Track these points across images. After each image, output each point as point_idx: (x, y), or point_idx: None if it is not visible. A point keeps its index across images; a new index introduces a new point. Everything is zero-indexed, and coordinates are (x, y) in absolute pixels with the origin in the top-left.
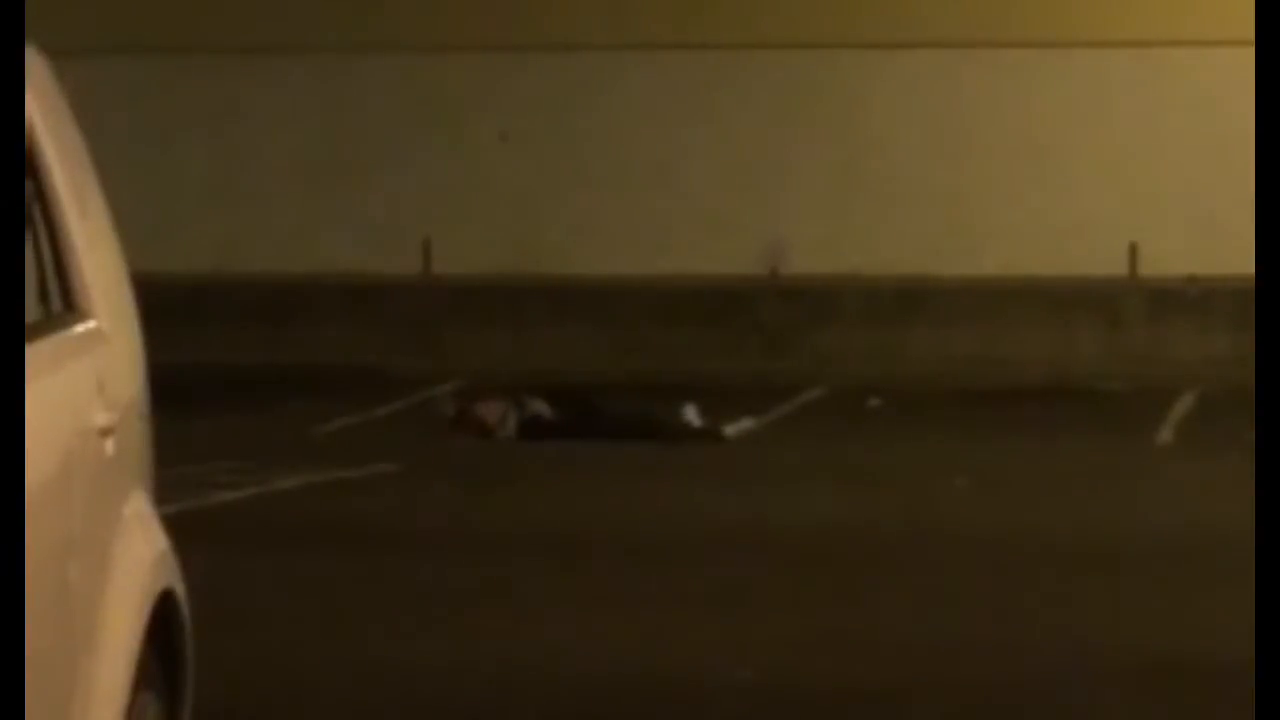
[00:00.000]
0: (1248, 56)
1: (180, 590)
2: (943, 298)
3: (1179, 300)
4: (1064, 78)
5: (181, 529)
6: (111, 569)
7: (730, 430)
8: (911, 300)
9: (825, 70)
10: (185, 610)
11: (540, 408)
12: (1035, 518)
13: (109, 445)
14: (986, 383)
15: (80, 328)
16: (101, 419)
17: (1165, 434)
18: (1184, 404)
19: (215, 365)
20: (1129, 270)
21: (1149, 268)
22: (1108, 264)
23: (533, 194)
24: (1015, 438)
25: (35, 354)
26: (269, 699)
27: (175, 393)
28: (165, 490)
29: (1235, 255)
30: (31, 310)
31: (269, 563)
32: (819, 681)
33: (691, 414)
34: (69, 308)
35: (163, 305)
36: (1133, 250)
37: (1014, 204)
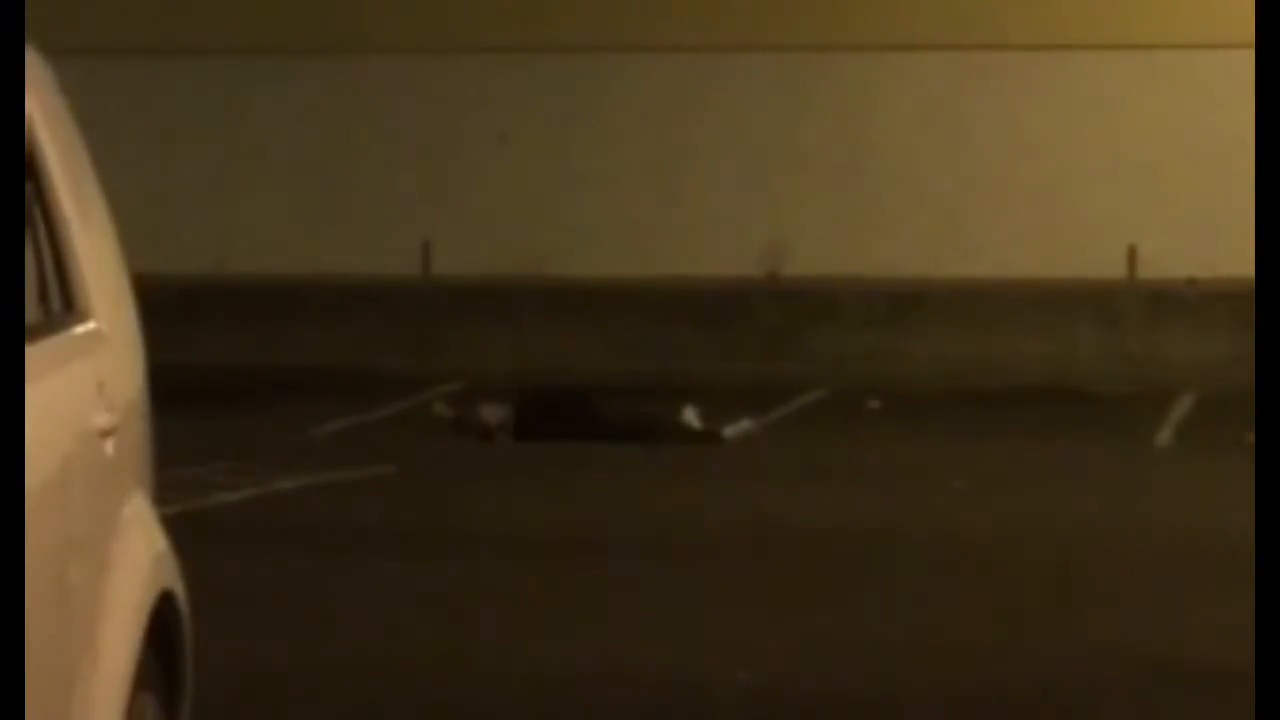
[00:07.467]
0: (1247, 58)
1: (180, 590)
2: (942, 300)
3: (1178, 302)
4: (1063, 80)
5: (181, 529)
6: (111, 569)
7: (729, 432)
8: (910, 302)
9: (824, 72)
10: (185, 610)
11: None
12: (1033, 520)
13: (109, 446)
14: (985, 385)
15: (80, 328)
16: (101, 420)
17: (1164, 436)
18: (1183, 406)
19: (214, 366)
20: (1128, 272)
21: (1148, 269)
22: (1106, 266)
23: (532, 195)
24: (1014, 440)
25: (35, 355)
26: (268, 699)
27: (175, 393)
28: (165, 490)
29: (1234, 257)
30: (31, 311)
31: (268, 563)
32: (817, 683)
33: (690, 415)
34: (69, 308)
35: (162, 305)
36: (1131, 252)
37: (1013, 206)
